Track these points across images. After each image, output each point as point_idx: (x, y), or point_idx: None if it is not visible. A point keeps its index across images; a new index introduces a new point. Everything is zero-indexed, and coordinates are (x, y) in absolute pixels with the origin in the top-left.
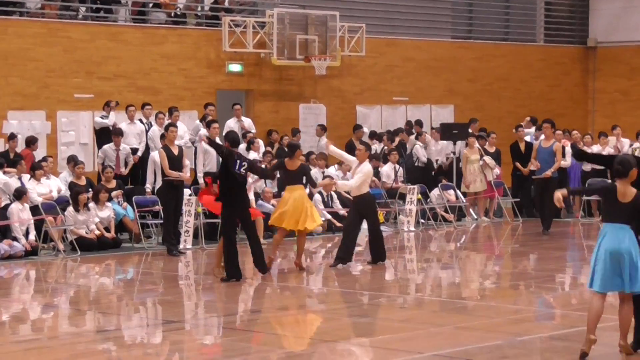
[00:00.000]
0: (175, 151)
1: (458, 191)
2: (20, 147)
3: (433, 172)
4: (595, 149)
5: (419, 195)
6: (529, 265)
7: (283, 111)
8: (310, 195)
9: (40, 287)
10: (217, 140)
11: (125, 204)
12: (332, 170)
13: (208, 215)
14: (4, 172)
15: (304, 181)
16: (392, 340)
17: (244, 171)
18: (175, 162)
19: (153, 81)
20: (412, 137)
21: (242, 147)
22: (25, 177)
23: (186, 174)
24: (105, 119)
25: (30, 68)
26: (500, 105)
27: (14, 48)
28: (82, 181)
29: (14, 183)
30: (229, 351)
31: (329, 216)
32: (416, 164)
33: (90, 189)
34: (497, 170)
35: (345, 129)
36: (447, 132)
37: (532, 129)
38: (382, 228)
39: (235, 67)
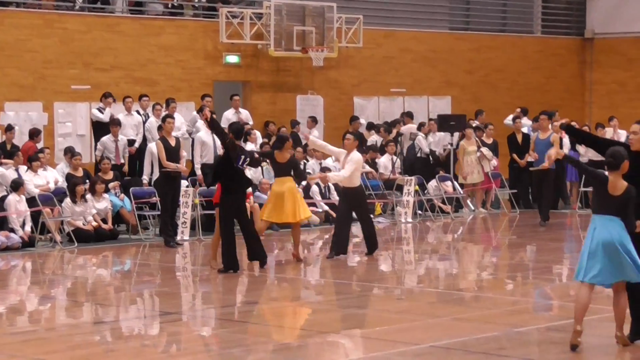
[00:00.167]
0: (173, 142)
1: (455, 182)
2: (18, 138)
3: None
4: None
5: (417, 187)
6: (526, 257)
7: (280, 102)
8: (308, 187)
9: (37, 279)
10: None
11: (122, 195)
12: (330, 162)
13: (205, 207)
14: (1, 164)
15: (293, 173)
16: (389, 331)
17: (246, 166)
18: (173, 153)
19: (150, 72)
20: (409, 126)
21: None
22: (22, 168)
23: (183, 166)
24: (102, 114)
25: (27, 59)
26: (497, 97)
27: (10, 39)
28: (80, 172)
29: (11, 174)
30: (226, 342)
31: (326, 207)
32: (418, 154)
33: (87, 181)
34: (494, 162)
35: (343, 120)
36: (444, 123)
37: (528, 121)
38: (380, 219)
39: (232, 59)
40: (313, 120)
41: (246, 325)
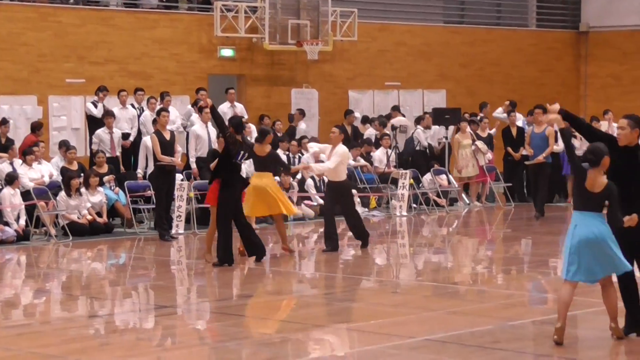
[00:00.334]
0: (167, 136)
1: (450, 176)
2: (12, 132)
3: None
4: None
5: (411, 180)
6: (520, 250)
7: (275, 96)
8: (303, 181)
9: (31, 272)
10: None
11: (117, 189)
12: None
13: (200, 200)
14: None
15: (274, 168)
16: (384, 324)
17: (244, 161)
18: (167, 147)
19: (144, 66)
20: (399, 118)
21: None
22: (17, 162)
23: (178, 159)
24: (95, 108)
25: (22, 52)
26: (492, 90)
27: (4, 32)
28: (74, 166)
29: (6, 168)
30: (221, 336)
31: (320, 201)
32: (417, 147)
33: (82, 174)
34: (489, 155)
35: (337, 114)
36: (439, 117)
37: (518, 114)
38: (374, 213)
39: (227, 52)
40: (300, 113)
41: (241, 318)
